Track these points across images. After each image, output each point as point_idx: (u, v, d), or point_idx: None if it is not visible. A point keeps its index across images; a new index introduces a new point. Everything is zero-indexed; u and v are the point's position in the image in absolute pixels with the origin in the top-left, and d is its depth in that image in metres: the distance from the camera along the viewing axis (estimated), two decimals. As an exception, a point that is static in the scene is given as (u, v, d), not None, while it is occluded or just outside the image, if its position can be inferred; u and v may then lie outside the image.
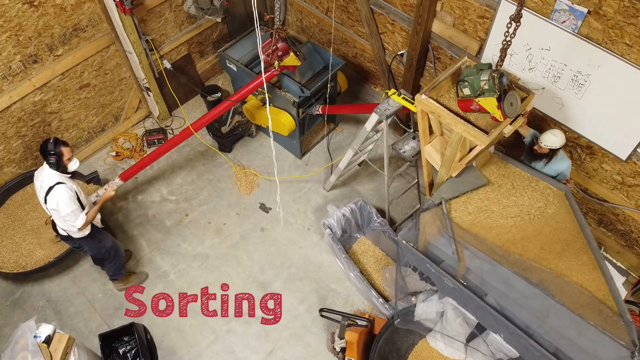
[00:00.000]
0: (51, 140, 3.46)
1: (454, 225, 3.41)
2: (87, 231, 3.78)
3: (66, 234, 3.80)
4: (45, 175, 3.55)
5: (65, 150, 3.49)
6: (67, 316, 4.36)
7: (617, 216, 4.12)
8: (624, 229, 4.16)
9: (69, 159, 3.54)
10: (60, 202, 3.49)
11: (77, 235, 3.77)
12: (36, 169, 4.74)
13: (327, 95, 4.86)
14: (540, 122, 4.00)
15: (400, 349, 3.90)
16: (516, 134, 3.88)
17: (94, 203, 3.90)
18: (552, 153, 3.62)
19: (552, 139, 3.53)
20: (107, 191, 4.01)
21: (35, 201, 4.75)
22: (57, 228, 3.82)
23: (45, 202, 3.55)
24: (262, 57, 3.22)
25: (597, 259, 3.28)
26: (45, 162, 3.53)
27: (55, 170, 3.52)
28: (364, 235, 4.70)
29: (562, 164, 3.69)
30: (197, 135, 4.54)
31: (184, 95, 5.75)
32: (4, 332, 4.25)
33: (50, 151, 3.44)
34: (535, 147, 3.65)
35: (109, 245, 4.04)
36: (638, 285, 4.27)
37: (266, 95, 3.68)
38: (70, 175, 3.63)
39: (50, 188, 3.49)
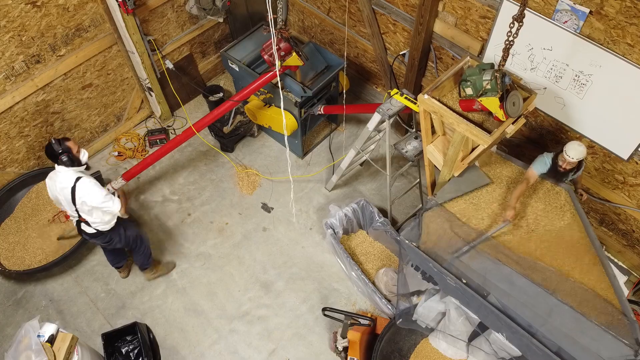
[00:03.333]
0: (54, 141, 3.44)
1: (456, 223, 3.42)
2: (113, 222, 3.73)
3: (95, 231, 3.74)
4: (62, 177, 3.51)
5: (71, 145, 3.48)
6: (70, 316, 4.36)
7: (618, 216, 4.13)
8: (626, 228, 4.17)
9: (78, 151, 3.54)
10: (92, 192, 3.47)
11: (107, 227, 3.75)
12: (39, 169, 4.83)
13: (329, 96, 4.88)
14: (546, 125, 4.00)
15: (402, 348, 3.91)
16: (518, 134, 3.88)
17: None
18: (580, 164, 3.43)
19: (580, 150, 3.25)
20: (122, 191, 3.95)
21: (38, 201, 4.76)
22: (85, 228, 3.75)
23: (74, 202, 3.51)
24: (275, 53, 3.19)
25: (601, 258, 3.29)
26: (56, 165, 3.50)
27: (70, 166, 3.49)
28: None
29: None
30: (199, 135, 4.55)
31: (186, 95, 5.77)
32: (7, 331, 4.26)
33: (59, 151, 3.43)
34: (563, 166, 3.33)
35: (135, 234, 4.05)
36: (639, 284, 4.29)
37: (280, 95, 3.63)
38: (85, 166, 3.62)
39: (74, 186, 3.47)
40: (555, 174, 3.46)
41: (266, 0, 2.25)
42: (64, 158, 3.44)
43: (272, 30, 2.54)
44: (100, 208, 3.57)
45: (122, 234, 3.90)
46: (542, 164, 3.43)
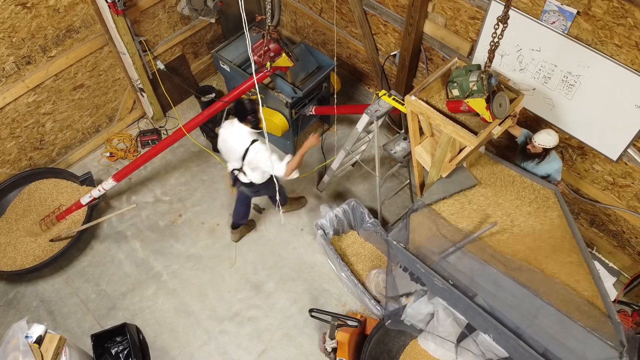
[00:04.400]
0: (246, 100, 3.67)
1: (444, 225, 3.41)
2: (295, 174, 3.80)
3: (249, 182, 3.98)
4: (239, 135, 3.76)
5: (257, 108, 3.67)
6: (60, 316, 4.37)
7: (608, 217, 4.12)
8: (616, 229, 4.16)
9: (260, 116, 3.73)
10: (263, 158, 3.65)
11: (262, 181, 3.97)
12: (30, 170, 4.83)
13: (320, 96, 4.87)
14: (532, 122, 4.00)
15: (392, 350, 3.91)
16: (508, 135, 3.88)
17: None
18: (545, 153, 3.61)
19: (547, 139, 3.51)
20: (310, 140, 3.86)
21: (29, 202, 4.77)
22: (241, 177, 3.98)
23: (243, 159, 3.77)
24: (251, 58, 3.24)
25: (586, 259, 3.28)
26: (236, 120, 3.76)
27: (251, 128, 3.74)
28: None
29: (553, 165, 3.69)
30: (189, 136, 4.55)
31: (179, 95, 5.77)
32: (-3, 332, 4.27)
33: (250, 111, 3.64)
34: (529, 147, 3.62)
35: (270, 190, 4.17)
36: (630, 285, 4.28)
37: (258, 96, 3.67)
38: (259, 131, 3.78)
39: (249, 148, 3.71)
40: (523, 153, 3.73)
41: (240, 3, 2.24)
42: (251, 118, 3.67)
43: (246, 32, 2.52)
44: (266, 171, 3.79)
45: (271, 188, 4.03)
46: (524, 135, 3.73)
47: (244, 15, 2.30)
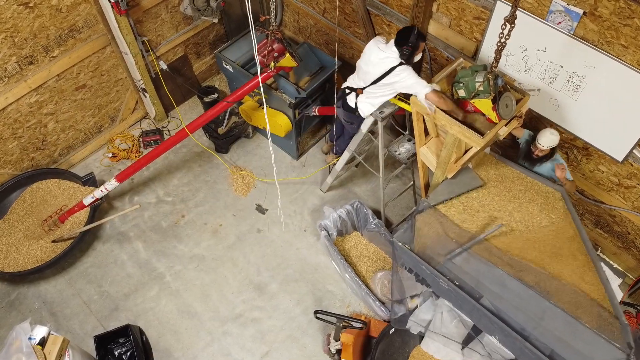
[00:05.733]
0: (415, 32, 3.51)
1: (449, 226, 3.40)
2: (433, 106, 3.44)
3: (351, 106, 3.98)
4: (389, 53, 3.62)
5: (420, 46, 3.60)
6: (63, 318, 4.35)
7: (613, 218, 4.11)
8: (621, 230, 4.15)
9: (418, 54, 3.65)
10: (406, 75, 3.54)
11: (360, 110, 3.95)
12: (33, 171, 4.81)
13: (324, 97, 4.86)
14: (537, 123, 3.99)
15: (398, 359, 3.88)
16: (511, 136, 3.87)
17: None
18: (552, 152, 3.60)
19: (552, 139, 3.48)
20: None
21: (32, 203, 4.75)
22: (349, 99, 3.97)
23: (379, 79, 3.66)
24: (257, 58, 3.23)
25: (593, 260, 3.27)
26: (391, 43, 3.62)
27: (402, 59, 3.59)
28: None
29: (558, 158, 3.66)
30: (192, 136, 4.53)
31: (181, 96, 5.75)
32: (0, 333, 4.24)
33: (410, 43, 3.50)
34: (536, 153, 3.58)
35: (356, 128, 4.22)
36: (635, 286, 4.27)
37: (263, 97, 3.67)
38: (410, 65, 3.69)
39: (394, 67, 3.58)
40: (529, 158, 3.69)
41: (246, 3, 2.22)
42: (405, 51, 3.53)
43: (252, 31, 2.51)
44: (410, 88, 3.56)
45: (355, 126, 4.14)
46: (525, 135, 3.70)
47: (250, 15, 2.28)
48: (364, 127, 4.03)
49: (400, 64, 3.60)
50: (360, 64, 3.90)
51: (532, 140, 3.63)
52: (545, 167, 3.69)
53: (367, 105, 3.93)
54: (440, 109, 3.34)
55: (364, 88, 3.84)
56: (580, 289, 3.09)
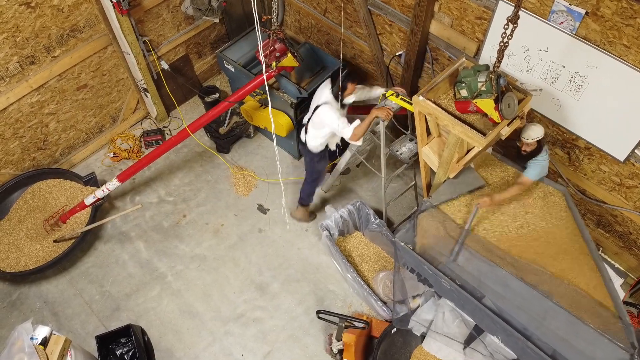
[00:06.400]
0: (345, 72, 3.72)
1: (452, 226, 3.40)
2: (359, 143, 3.90)
3: (303, 141, 4.14)
4: (323, 93, 3.93)
5: (350, 87, 3.79)
6: (64, 318, 4.35)
7: (615, 217, 4.11)
8: (622, 230, 4.15)
9: (349, 94, 3.82)
10: (328, 117, 3.80)
11: (312, 145, 4.09)
12: (34, 170, 4.81)
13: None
14: (539, 123, 3.98)
15: (400, 359, 3.88)
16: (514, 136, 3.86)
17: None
18: (539, 145, 3.48)
19: (537, 130, 3.36)
20: (380, 109, 3.87)
21: (33, 203, 4.74)
22: (302, 134, 4.16)
23: (313, 112, 3.92)
24: (262, 56, 3.22)
25: (596, 260, 3.27)
26: (329, 80, 3.90)
27: (333, 92, 3.85)
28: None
29: (545, 156, 3.59)
30: (194, 136, 4.53)
31: (182, 96, 5.75)
32: (1, 333, 4.24)
33: (341, 82, 3.75)
34: (524, 149, 3.48)
35: (319, 169, 4.28)
36: (636, 286, 4.27)
37: (268, 97, 3.68)
38: (343, 106, 3.89)
39: (319, 106, 3.85)
40: (521, 159, 3.61)
41: (253, 2, 2.23)
42: (334, 89, 3.82)
43: (258, 32, 2.51)
44: (334, 129, 3.85)
45: (313, 161, 4.18)
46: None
47: (255, 12, 2.28)
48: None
49: (325, 103, 3.80)
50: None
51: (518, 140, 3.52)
52: (536, 165, 3.55)
53: (312, 139, 4.04)
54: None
55: (307, 124, 3.99)
56: (582, 288, 3.09)
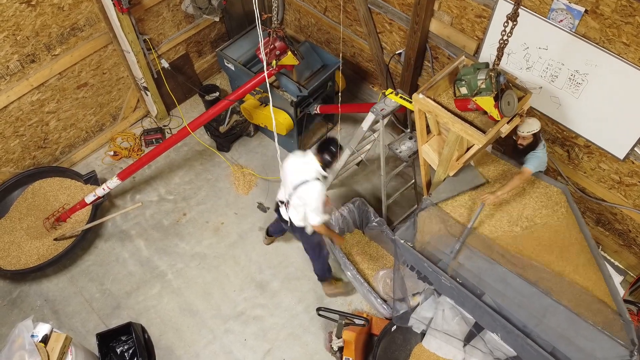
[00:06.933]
0: (335, 141, 3.55)
1: (452, 223, 3.40)
2: (310, 230, 3.77)
3: (287, 220, 3.84)
4: (307, 165, 3.56)
5: (338, 155, 3.61)
6: (65, 316, 4.35)
7: (614, 215, 4.12)
8: (622, 228, 4.16)
9: (335, 162, 3.68)
10: (314, 197, 3.51)
11: (299, 224, 3.81)
12: (34, 169, 4.81)
13: (325, 95, 4.86)
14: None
15: (399, 358, 3.89)
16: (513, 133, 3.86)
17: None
18: (536, 139, 3.45)
19: (531, 124, 3.34)
20: (338, 238, 4.05)
21: (33, 201, 4.75)
22: (282, 211, 3.86)
23: (295, 189, 3.57)
24: (263, 54, 3.21)
25: (596, 257, 3.27)
26: (311, 152, 3.57)
27: (322, 168, 3.56)
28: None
29: (542, 149, 3.60)
30: (194, 135, 4.54)
31: (182, 94, 5.75)
32: (1, 331, 4.25)
33: (333, 151, 3.51)
34: (520, 143, 3.45)
35: (317, 241, 4.02)
36: (636, 284, 4.28)
37: (269, 95, 3.67)
38: (325, 176, 3.69)
39: (307, 182, 3.52)
40: (518, 154, 3.56)
41: (254, 1, 2.23)
42: (327, 159, 3.52)
43: (259, 29, 2.52)
44: (306, 212, 3.63)
45: (306, 236, 3.92)
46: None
47: (256, 9, 2.29)
48: (365, 125, 4.03)
49: (317, 180, 3.54)
50: (283, 178, 3.77)
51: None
52: (534, 157, 3.50)
53: (295, 219, 3.80)
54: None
55: (289, 199, 3.71)
56: (582, 285, 3.10)
